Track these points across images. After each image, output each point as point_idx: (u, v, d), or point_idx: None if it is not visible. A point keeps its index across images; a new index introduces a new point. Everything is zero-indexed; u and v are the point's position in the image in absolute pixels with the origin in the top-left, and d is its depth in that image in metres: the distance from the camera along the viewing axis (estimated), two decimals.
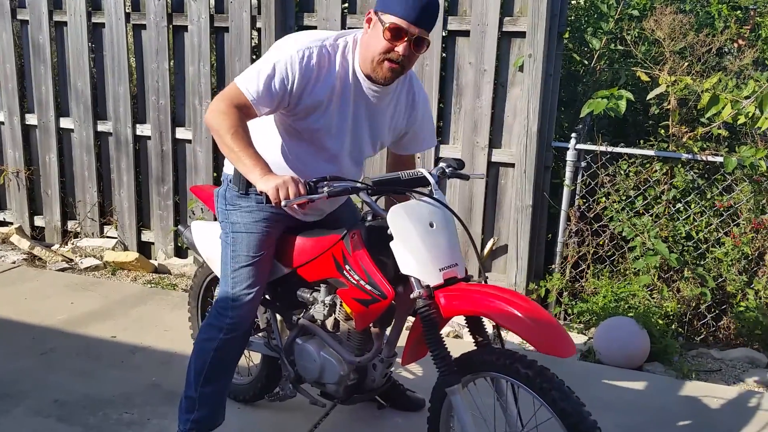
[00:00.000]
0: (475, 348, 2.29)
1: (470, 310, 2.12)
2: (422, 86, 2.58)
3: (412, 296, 2.18)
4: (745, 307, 3.80)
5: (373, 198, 2.29)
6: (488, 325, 2.30)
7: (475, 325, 2.29)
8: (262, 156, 2.21)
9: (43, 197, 5.32)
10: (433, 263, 2.17)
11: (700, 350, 3.86)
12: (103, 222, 5.23)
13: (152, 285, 4.68)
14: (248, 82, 2.24)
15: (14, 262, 4.90)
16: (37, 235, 5.43)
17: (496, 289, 2.14)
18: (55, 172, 5.23)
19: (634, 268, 3.97)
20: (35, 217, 5.41)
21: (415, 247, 2.17)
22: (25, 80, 5.25)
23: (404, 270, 2.20)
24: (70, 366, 3.47)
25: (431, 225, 2.20)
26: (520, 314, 2.01)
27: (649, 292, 3.96)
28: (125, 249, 5.10)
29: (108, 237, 5.21)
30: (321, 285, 2.54)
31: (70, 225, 5.30)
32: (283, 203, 2.08)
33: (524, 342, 3.76)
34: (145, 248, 5.16)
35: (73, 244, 5.18)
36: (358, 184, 2.22)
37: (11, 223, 5.43)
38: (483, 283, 2.23)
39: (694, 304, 3.94)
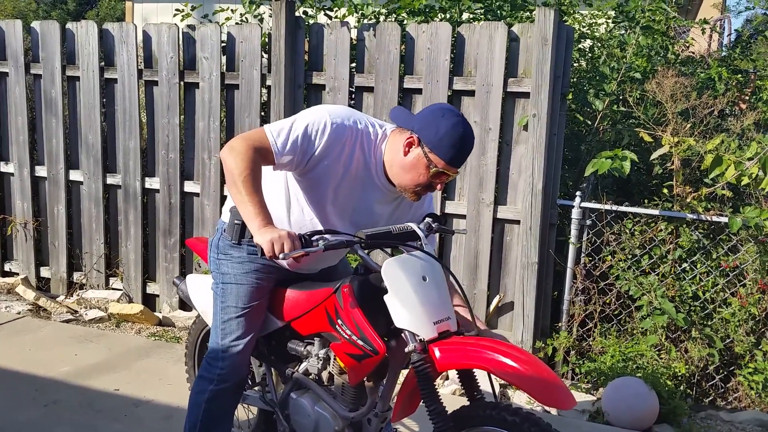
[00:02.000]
0: (469, 403, 2.30)
1: (466, 363, 2.12)
2: None
3: (406, 350, 2.18)
4: (754, 369, 3.77)
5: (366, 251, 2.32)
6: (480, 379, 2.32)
7: (467, 379, 2.31)
8: (267, 206, 2.24)
9: (50, 248, 5.34)
10: (427, 317, 2.19)
11: (709, 412, 3.82)
12: (109, 274, 5.23)
13: (156, 338, 4.67)
14: (278, 132, 2.28)
15: (19, 313, 4.89)
16: (43, 286, 5.43)
17: (491, 341, 2.14)
18: (63, 223, 5.26)
19: (642, 328, 3.96)
20: (41, 268, 5.42)
21: (410, 300, 2.19)
22: (36, 133, 5.33)
23: (398, 324, 2.21)
24: (73, 419, 3.44)
25: (424, 278, 2.24)
26: (518, 366, 2.03)
27: (657, 353, 3.94)
28: (130, 301, 5.10)
29: (113, 289, 5.21)
30: (315, 338, 2.54)
31: (76, 276, 5.30)
32: (280, 257, 2.10)
33: (532, 401, 3.73)
34: (150, 300, 5.15)
35: (78, 295, 5.18)
36: (353, 238, 2.25)
37: (17, 274, 5.44)
38: (476, 335, 2.25)
39: (702, 365, 3.91)
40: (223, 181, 4.79)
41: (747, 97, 5.62)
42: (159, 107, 4.91)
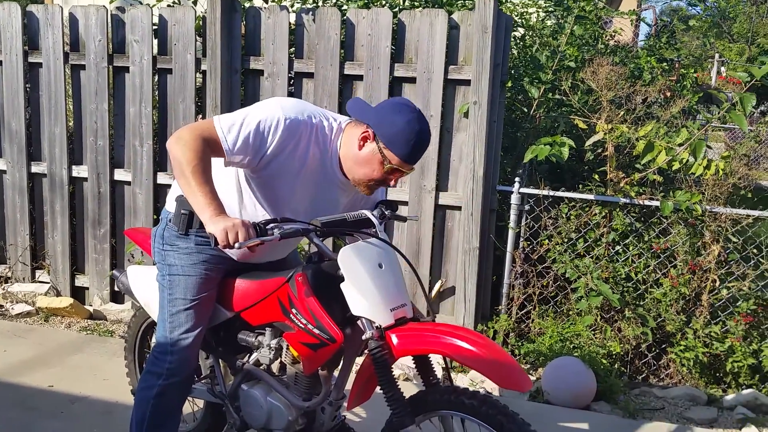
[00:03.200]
0: (425, 388, 2.32)
1: (424, 349, 2.13)
2: None
3: (363, 337, 2.18)
4: (685, 347, 3.93)
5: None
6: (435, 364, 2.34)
7: (423, 365, 2.32)
8: (218, 196, 2.19)
9: None
10: (384, 304, 2.19)
11: (643, 389, 3.97)
12: (36, 266, 5.02)
13: (88, 332, 4.50)
14: (228, 128, 2.22)
15: None
16: None
17: (448, 326, 2.17)
18: None
19: (578, 309, 4.07)
20: None
21: (366, 288, 2.19)
22: None
23: (355, 311, 2.20)
24: (7, 417, 3.30)
25: (380, 265, 2.24)
26: (476, 350, 2.05)
27: (592, 332, 4.06)
28: (58, 294, 4.91)
29: (40, 282, 5.00)
30: (266, 328, 2.50)
31: (0, 269, 5.06)
32: (236, 246, 2.06)
33: (475, 382, 3.79)
34: (79, 293, 4.97)
35: (3, 289, 4.94)
36: (308, 226, 2.23)
37: None
38: (432, 321, 2.27)
39: (635, 344, 4.06)
40: (156, 169, 4.67)
41: (672, 85, 5.83)
42: (87, 92, 4.72)
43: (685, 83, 5.79)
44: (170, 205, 2.55)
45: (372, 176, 2.30)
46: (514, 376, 2.07)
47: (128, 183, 4.76)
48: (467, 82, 4.10)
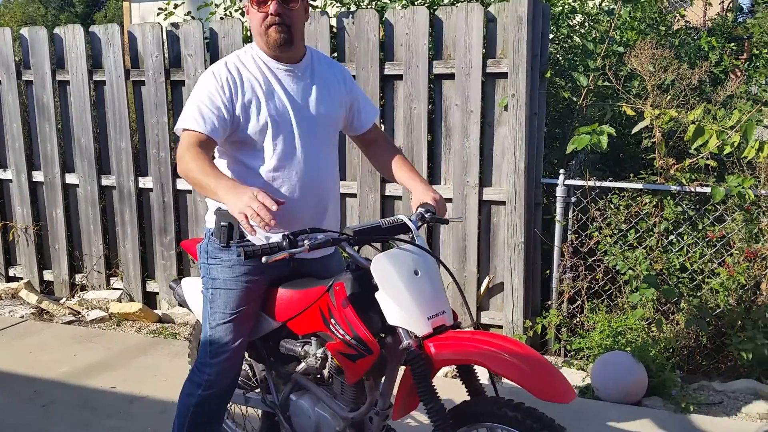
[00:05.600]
0: (469, 398, 2.23)
1: (462, 358, 2.05)
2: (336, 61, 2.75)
3: (401, 347, 2.11)
4: (745, 338, 3.75)
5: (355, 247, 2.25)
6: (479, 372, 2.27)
7: (466, 374, 2.23)
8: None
9: (51, 252, 5.43)
10: (420, 312, 2.11)
11: (702, 383, 3.81)
12: (109, 274, 5.31)
13: (155, 335, 4.73)
14: (192, 118, 2.33)
15: (22, 317, 4.99)
16: (45, 289, 5.52)
17: (488, 335, 2.07)
18: (62, 226, 5.34)
19: (631, 302, 3.94)
20: (44, 272, 5.51)
21: (401, 296, 2.11)
22: (31, 138, 5.40)
23: (391, 321, 2.13)
24: (69, 417, 3.51)
25: (416, 273, 2.16)
26: (514, 360, 1.95)
27: (647, 326, 3.92)
28: (131, 300, 5.18)
29: (114, 288, 5.29)
30: (311, 338, 2.46)
31: (78, 278, 5.39)
32: (263, 260, 2.05)
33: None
34: (151, 298, 5.23)
35: (80, 296, 5.26)
36: (340, 235, 2.19)
37: (22, 278, 5.53)
38: (474, 329, 2.17)
39: (693, 336, 3.89)
40: None
41: (741, 66, 5.54)
42: (147, 107, 4.95)
43: (757, 63, 5.48)
44: (210, 222, 2.58)
45: (256, 22, 2.37)
46: (555, 386, 1.94)
47: (189, 192, 4.96)
48: (506, 75, 4.05)
